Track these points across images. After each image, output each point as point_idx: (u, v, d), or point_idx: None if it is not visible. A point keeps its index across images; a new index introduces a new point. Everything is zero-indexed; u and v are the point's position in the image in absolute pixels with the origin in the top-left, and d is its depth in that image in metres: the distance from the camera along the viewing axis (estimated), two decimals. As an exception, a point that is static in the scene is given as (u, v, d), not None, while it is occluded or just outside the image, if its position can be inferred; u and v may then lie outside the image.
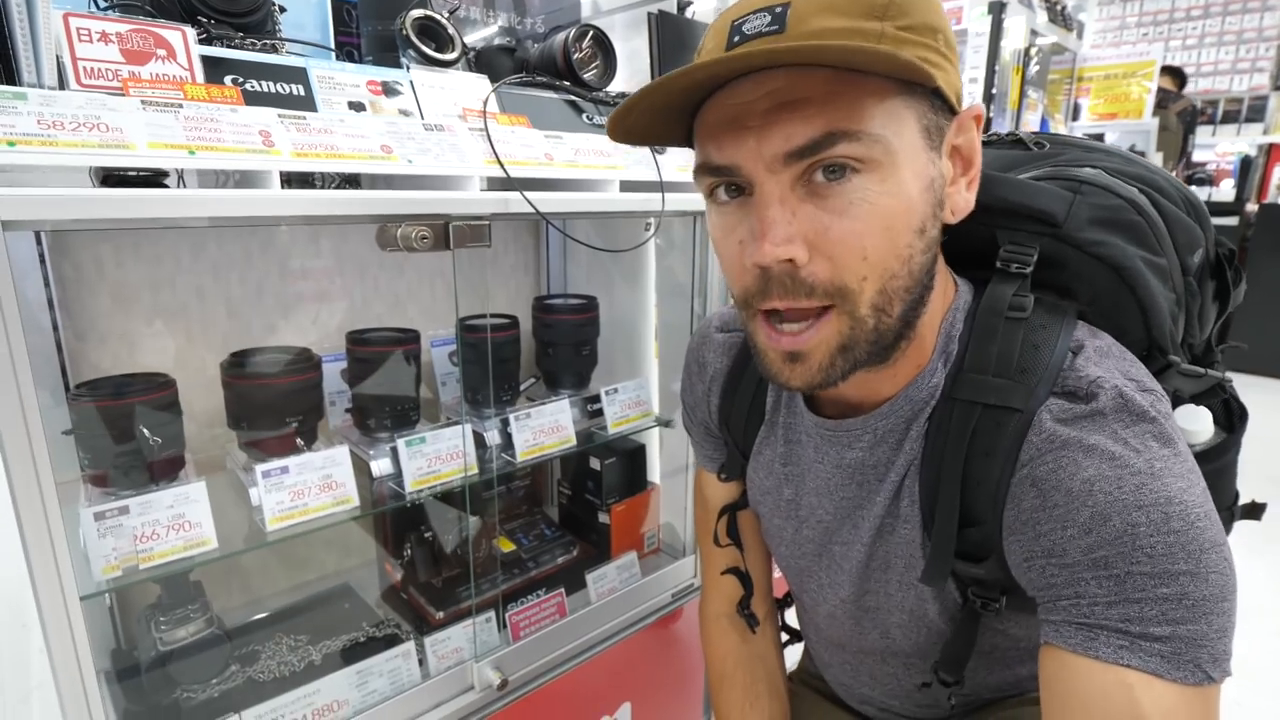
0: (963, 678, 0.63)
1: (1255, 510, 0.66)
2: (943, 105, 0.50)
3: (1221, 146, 4.90)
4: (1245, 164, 4.45)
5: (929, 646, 0.65)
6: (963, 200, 0.53)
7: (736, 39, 0.48)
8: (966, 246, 0.59)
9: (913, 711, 0.74)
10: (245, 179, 0.70)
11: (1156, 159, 3.93)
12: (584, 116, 1.00)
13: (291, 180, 0.76)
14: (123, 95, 0.62)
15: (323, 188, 0.93)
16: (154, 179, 0.73)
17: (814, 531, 0.68)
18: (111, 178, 0.68)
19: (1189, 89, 4.93)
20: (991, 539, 0.54)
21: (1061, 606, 0.49)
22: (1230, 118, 5.16)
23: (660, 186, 0.98)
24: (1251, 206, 4.30)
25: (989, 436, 0.53)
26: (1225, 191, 4.61)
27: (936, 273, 0.54)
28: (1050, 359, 0.53)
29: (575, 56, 1.01)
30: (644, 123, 0.53)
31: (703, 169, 0.53)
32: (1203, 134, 5.13)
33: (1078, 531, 0.47)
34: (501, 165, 0.81)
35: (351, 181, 0.94)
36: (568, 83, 1.02)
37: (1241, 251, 4.20)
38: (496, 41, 1.06)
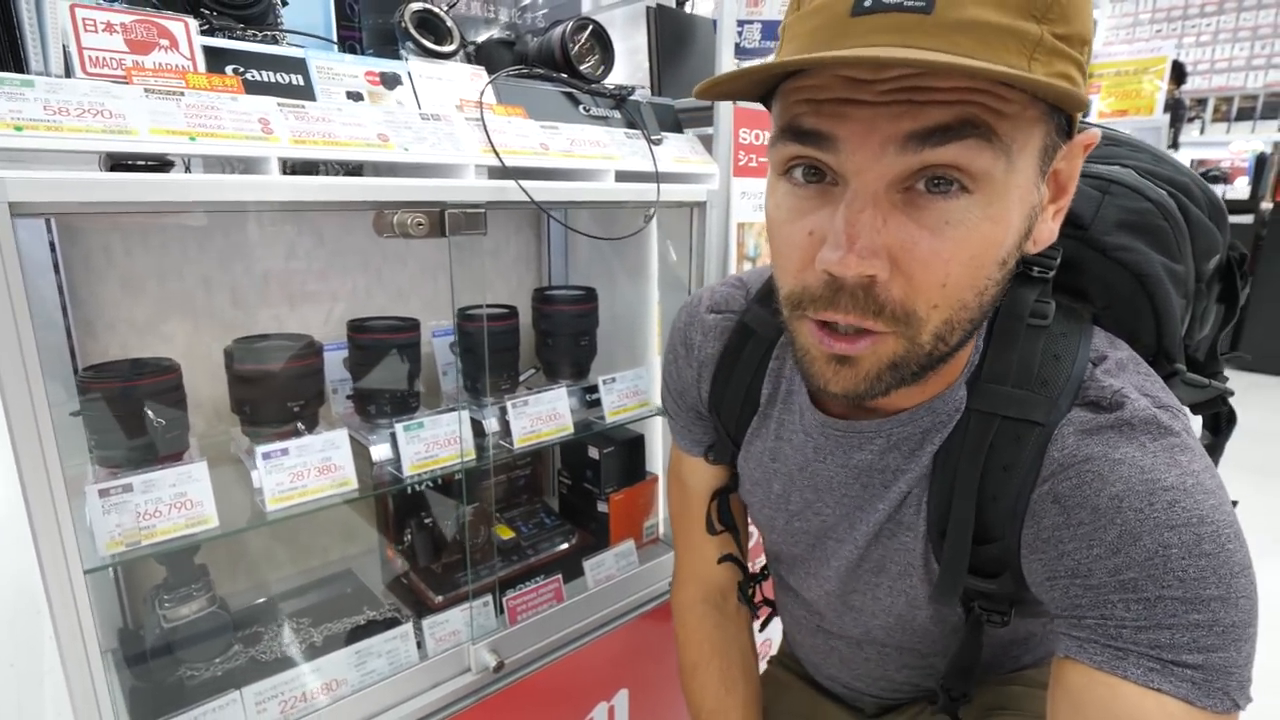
0: (971, 690, 0.62)
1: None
2: (1065, 127, 0.45)
3: (1236, 144, 4.85)
4: (1260, 161, 4.40)
5: (908, 642, 0.66)
6: (1046, 231, 0.49)
7: (868, 2, 0.41)
8: None
9: (877, 693, 0.75)
10: (248, 168, 0.72)
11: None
12: (580, 108, 1.01)
13: (296, 172, 0.78)
14: (126, 83, 0.64)
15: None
16: (161, 167, 0.75)
17: (809, 524, 0.67)
18: (119, 165, 0.71)
19: (1205, 85, 4.88)
20: (1007, 556, 0.53)
21: (1087, 625, 0.47)
22: (1245, 114, 5.10)
23: (656, 177, 0.99)
24: (1266, 205, 4.25)
25: (1007, 450, 0.52)
26: (1240, 189, 4.57)
27: None
28: (1072, 370, 0.51)
29: (573, 49, 1.02)
30: (735, 87, 0.48)
31: (788, 133, 0.45)
32: (1216, 131, 5.08)
33: (1105, 551, 0.46)
34: (496, 154, 0.82)
35: (355, 174, 0.96)
36: (565, 75, 1.03)
37: (1255, 250, 4.16)
38: (496, 35, 1.08)
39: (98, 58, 0.64)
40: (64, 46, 0.63)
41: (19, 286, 0.58)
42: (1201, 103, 5.22)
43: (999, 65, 0.38)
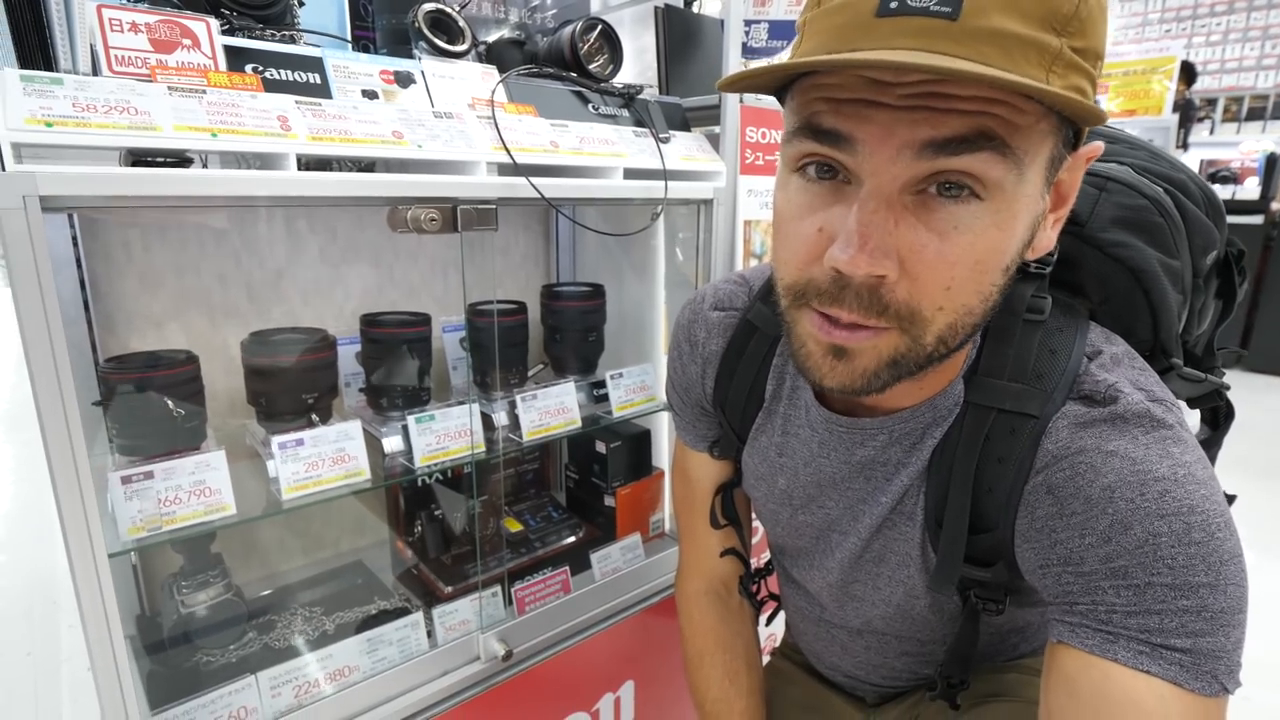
0: (968, 678, 0.64)
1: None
2: (1072, 139, 0.46)
3: (1246, 144, 4.82)
4: (1270, 162, 4.38)
5: (907, 630, 0.67)
6: (1046, 239, 0.49)
7: (894, 4, 0.41)
8: None
9: (876, 681, 0.76)
10: (265, 164, 0.74)
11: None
12: (590, 106, 1.03)
13: (312, 168, 0.80)
14: (150, 81, 0.65)
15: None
16: (180, 164, 0.77)
17: (813, 518, 0.68)
18: (140, 162, 0.73)
19: (1215, 85, 4.86)
20: (1002, 546, 0.54)
21: (1079, 610, 0.49)
22: (1255, 114, 5.08)
23: (664, 174, 1.01)
24: (1277, 205, 4.23)
25: (1002, 442, 0.53)
26: (1250, 189, 4.55)
27: None
28: (1067, 365, 0.52)
29: (582, 49, 1.04)
30: (759, 82, 0.48)
31: (805, 131, 0.46)
32: (1226, 131, 5.06)
33: (1096, 540, 0.47)
34: (508, 151, 0.84)
35: (368, 171, 0.98)
36: (574, 74, 1.05)
37: (1266, 250, 4.14)
38: (507, 35, 1.09)
39: (123, 56, 0.66)
40: (91, 45, 0.65)
41: (49, 280, 0.60)
42: (1211, 103, 5.21)
43: (1021, 76, 0.39)
